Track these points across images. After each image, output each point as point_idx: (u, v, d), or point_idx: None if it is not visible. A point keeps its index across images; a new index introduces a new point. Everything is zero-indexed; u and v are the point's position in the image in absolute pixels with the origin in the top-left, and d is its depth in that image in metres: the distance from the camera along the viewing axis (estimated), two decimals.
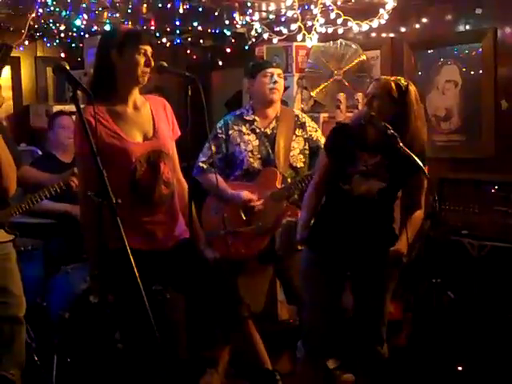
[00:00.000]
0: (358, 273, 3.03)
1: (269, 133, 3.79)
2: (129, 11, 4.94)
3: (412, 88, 2.89)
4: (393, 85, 2.86)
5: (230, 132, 3.78)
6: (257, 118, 3.81)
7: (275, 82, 3.74)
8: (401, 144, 2.77)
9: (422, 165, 2.76)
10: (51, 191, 3.65)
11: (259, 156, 3.76)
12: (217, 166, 3.72)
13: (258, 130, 3.79)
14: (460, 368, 3.57)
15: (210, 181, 3.58)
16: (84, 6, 4.70)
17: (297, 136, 3.81)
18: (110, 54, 2.82)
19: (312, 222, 3.06)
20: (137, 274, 1.99)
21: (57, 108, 5.32)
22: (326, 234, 3.01)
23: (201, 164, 3.75)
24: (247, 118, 3.82)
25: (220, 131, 3.79)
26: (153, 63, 2.83)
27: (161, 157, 2.92)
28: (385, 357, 3.08)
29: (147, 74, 2.84)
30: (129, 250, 1.99)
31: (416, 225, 3.04)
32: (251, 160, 3.75)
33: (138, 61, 2.79)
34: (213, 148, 3.74)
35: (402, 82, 2.88)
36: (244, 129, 3.79)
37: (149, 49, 2.83)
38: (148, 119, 2.94)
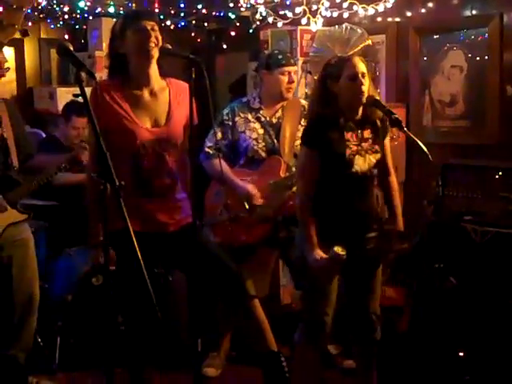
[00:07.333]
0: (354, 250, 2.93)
1: (274, 122, 3.78)
2: None
3: None
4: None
5: (236, 119, 3.77)
6: (263, 106, 3.80)
7: (292, 82, 3.73)
8: (405, 128, 2.76)
9: (425, 149, 2.77)
10: (60, 168, 3.47)
11: (264, 144, 3.75)
12: (223, 152, 3.71)
13: (263, 119, 3.77)
14: (461, 354, 3.57)
15: (216, 166, 3.55)
16: None
17: (302, 126, 3.77)
18: (115, 41, 2.87)
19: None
20: (139, 255, 1.99)
21: (60, 90, 5.32)
22: (331, 219, 2.95)
23: (207, 149, 3.74)
24: (253, 106, 3.80)
25: (227, 117, 3.78)
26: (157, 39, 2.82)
27: (168, 147, 2.92)
28: (377, 338, 3.10)
29: (154, 48, 2.81)
30: (132, 231, 1.99)
31: (398, 191, 3.08)
32: (256, 148, 3.74)
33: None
34: (219, 134, 3.73)
35: None
36: (250, 116, 3.77)
37: (149, 24, 2.81)
38: (164, 106, 2.93)
